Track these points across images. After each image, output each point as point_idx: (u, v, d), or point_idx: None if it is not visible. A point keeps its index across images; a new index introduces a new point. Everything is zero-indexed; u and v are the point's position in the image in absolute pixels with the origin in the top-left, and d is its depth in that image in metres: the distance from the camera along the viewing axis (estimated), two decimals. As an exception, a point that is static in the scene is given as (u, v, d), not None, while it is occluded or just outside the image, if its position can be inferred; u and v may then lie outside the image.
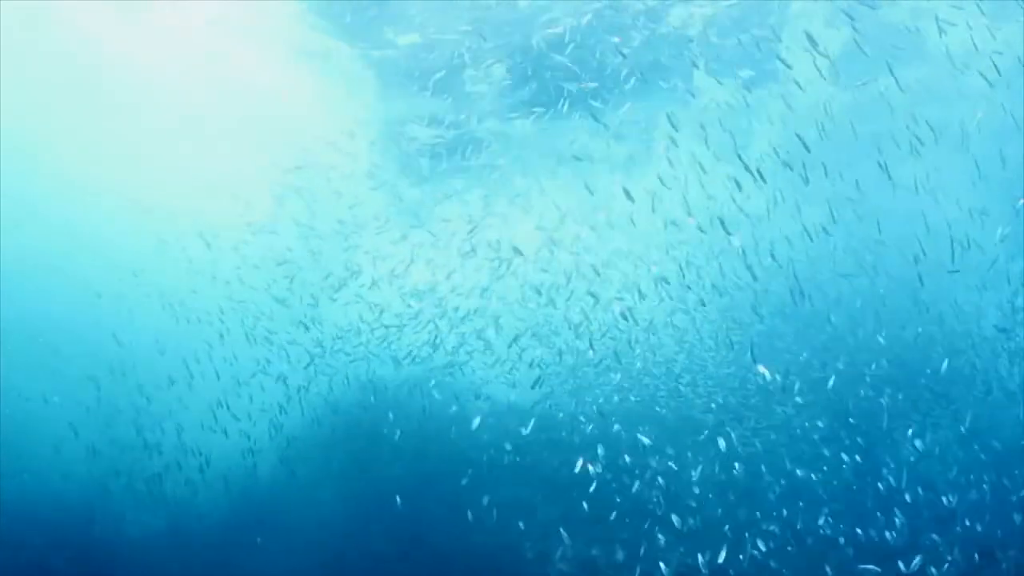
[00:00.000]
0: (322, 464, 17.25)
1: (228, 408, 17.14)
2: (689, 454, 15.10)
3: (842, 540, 14.01)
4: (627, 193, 14.77)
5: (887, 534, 13.95)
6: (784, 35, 16.65)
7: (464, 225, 18.46)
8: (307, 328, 18.34)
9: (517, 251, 17.70)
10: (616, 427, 16.15)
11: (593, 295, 17.22)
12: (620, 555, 14.67)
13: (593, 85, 16.69)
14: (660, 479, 15.01)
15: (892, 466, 14.99)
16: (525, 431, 15.91)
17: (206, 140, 18.22)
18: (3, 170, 18.70)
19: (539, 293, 17.90)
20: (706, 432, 15.53)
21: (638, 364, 17.59)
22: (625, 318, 16.40)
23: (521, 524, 15.23)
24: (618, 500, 15.12)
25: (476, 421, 15.52)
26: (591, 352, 17.24)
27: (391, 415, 17.23)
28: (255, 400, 17.50)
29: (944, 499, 14.47)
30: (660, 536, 14.47)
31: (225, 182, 18.63)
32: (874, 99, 17.04)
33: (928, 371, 16.74)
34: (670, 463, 14.99)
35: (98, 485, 18.01)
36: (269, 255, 19.02)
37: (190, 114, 17.95)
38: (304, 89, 17.42)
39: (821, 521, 14.32)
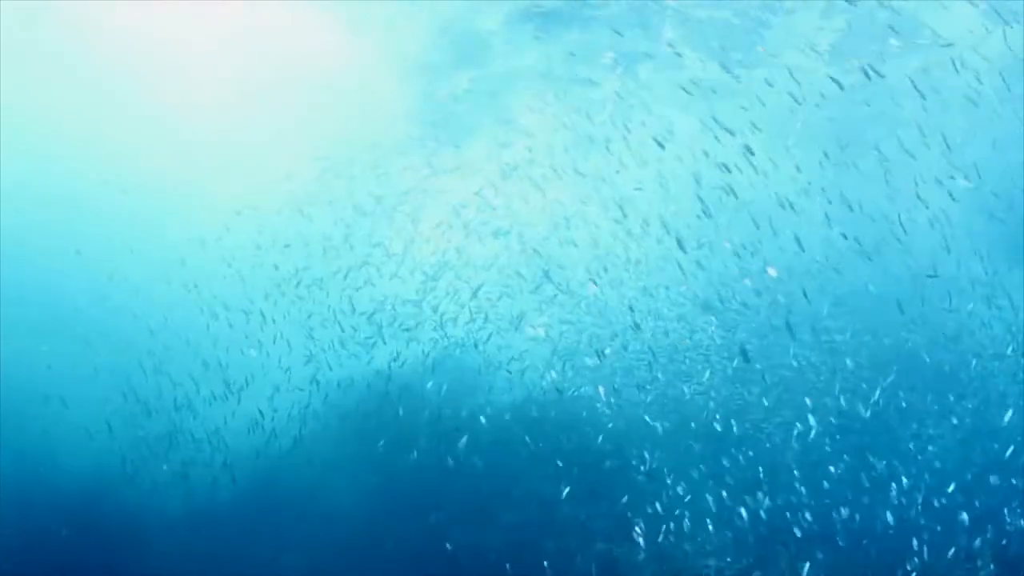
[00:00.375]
0: (338, 453, 17.21)
1: (248, 393, 17.39)
2: (710, 455, 15.30)
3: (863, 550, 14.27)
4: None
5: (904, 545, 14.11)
6: (776, 23, 16.51)
7: (480, 200, 18.59)
8: (332, 312, 18.29)
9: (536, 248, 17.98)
10: (639, 421, 16.20)
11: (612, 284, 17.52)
12: (641, 554, 14.65)
13: (610, 55, 16.83)
14: (683, 477, 15.13)
15: (906, 474, 15.19)
16: (544, 423, 16.15)
17: (244, 119, 18.24)
18: (33, 159, 18.69)
19: (558, 285, 17.95)
20: (725, 432, 15.70)
21: (659, 357, 17.53)
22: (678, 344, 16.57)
23: (540, 519, 15.29)
24: (640, 497, 15.23)
25: (463, 440, 15.70)
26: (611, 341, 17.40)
27: (406, 403, 17.27)
28: (274, 386, 17.63)
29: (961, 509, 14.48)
30: (680, 538, 14.58)
31: (260, 160, 18.64)
32: (869, 92, 16.92)
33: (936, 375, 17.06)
34: (692, 461, 15.16)
35: (118, 471, 17.98)
36: (286, 236, 19.05)
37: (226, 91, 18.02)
38: (337, 57, 17.35)
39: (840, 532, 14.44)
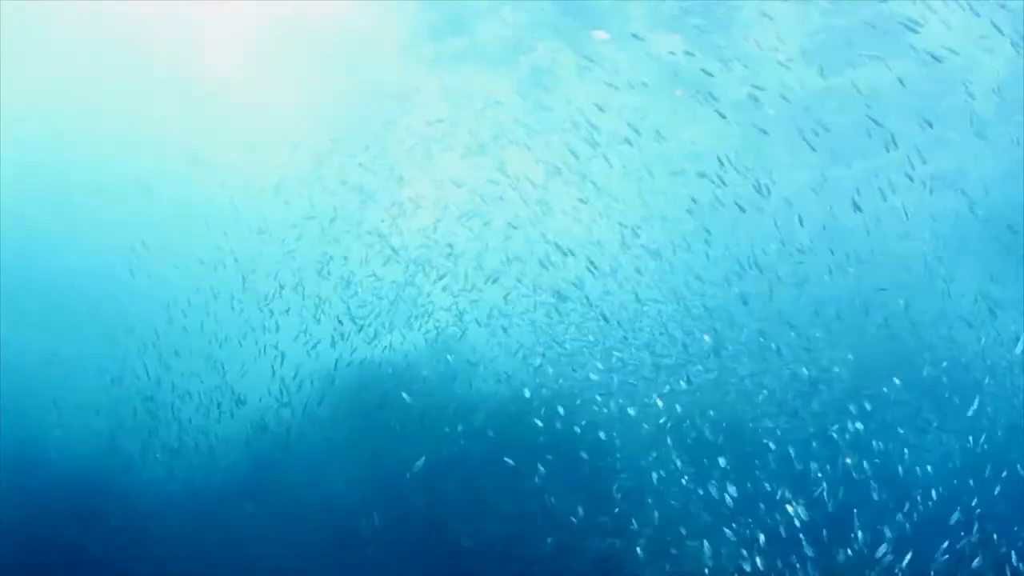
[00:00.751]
0: (336, 443, 17.15)
1: (246, 385, 17.55)
2: (712, 447, 15.26)
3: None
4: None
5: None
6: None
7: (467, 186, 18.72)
8: (328, 300, 18.43)
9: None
10: (637, 414, 16.25)
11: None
12: (640, 548, 14.62)
13: (604, 36, 16.77)
14: (683, 471, 15.14)
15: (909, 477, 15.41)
16: (542, 416, 16.07)
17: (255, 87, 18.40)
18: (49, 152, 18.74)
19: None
20: (725, 426, 15.82)
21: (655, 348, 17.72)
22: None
23: (539, 513, 15.22)
24: (639, 490, 15.27)
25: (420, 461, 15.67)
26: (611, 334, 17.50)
27: (403, 392, 17.22)
28: (271, 375, 17.67)
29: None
30: (683, 530, 14.59)
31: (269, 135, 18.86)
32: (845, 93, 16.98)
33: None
34: (691, 456, 15.11)
35: (113, 452, 18.19)
36: (286, 223, 19.21)
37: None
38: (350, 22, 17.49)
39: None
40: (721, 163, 16.61)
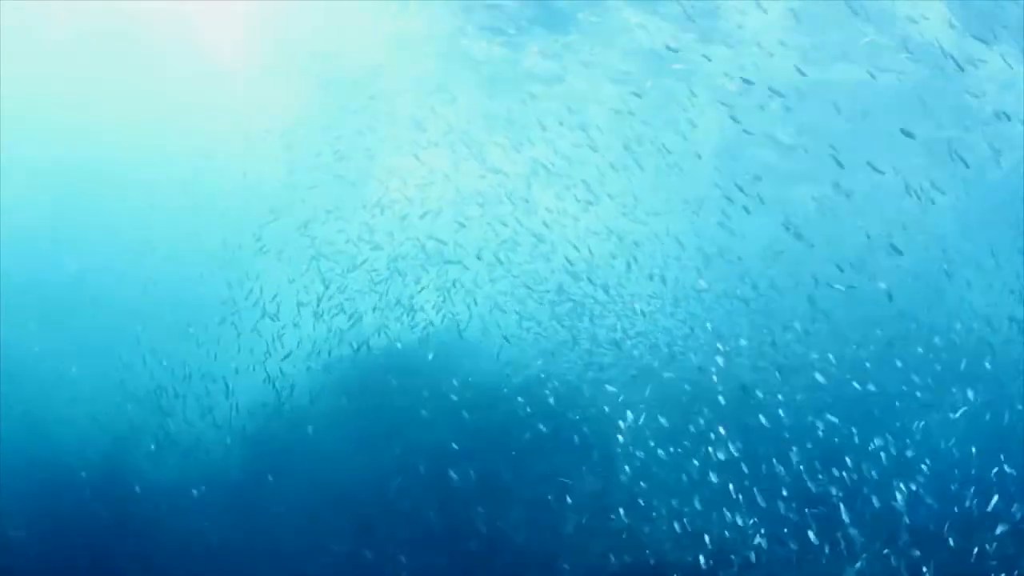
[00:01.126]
0: (345, 432, 17.02)
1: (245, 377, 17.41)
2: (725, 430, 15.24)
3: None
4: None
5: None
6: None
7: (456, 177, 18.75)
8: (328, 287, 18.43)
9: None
10: (656, 395, 16.28)
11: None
12: (663, 529, 14.64)
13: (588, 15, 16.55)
14: (704, 452, 15.09)
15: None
16: (561, 399, 16.23)
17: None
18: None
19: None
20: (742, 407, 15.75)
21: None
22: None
23: (559, 496, 15.22)
24: (661, 473, 15.27)
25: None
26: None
27: (410, 381, 17.29)
28: (269, 366, 17.52)
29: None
30: (705, 510, 14.53)
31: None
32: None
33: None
34: (713, 435, 15.07)
35: (123, 453, 17.80)
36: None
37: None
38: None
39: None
40: (713, 155, 16.65)
